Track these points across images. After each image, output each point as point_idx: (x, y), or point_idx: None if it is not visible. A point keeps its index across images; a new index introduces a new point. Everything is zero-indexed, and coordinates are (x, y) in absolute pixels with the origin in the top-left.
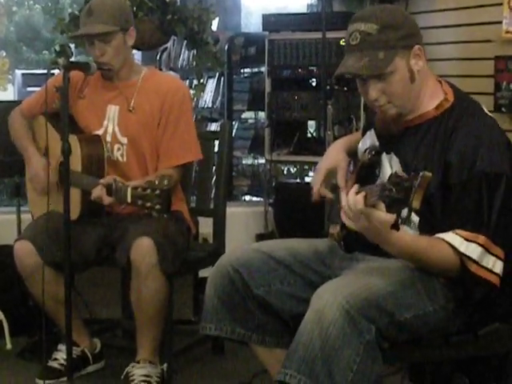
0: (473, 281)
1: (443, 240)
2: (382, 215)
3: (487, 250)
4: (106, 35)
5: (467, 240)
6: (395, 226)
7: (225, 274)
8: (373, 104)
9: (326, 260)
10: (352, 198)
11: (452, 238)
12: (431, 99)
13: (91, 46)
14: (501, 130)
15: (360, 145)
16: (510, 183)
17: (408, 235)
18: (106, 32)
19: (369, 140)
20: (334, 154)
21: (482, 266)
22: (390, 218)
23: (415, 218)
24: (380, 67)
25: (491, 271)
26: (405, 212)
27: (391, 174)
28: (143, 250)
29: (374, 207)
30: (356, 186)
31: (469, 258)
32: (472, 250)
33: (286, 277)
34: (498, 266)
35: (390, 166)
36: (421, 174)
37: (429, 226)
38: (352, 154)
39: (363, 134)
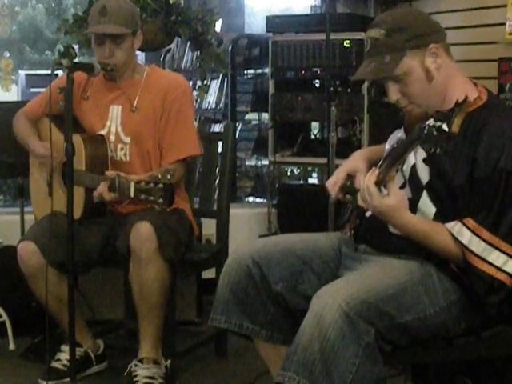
0: (474, 274)
1: (447, 229)
2: (383, 200)
3: (495, 247)
4: (119, 37)
5: (473, 232)
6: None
7: (243, 265)
8: (397, 105)
9: (339, 256)
10: (367, 177)
11: (456, 228)
12: (463, 96)
13: (101, 45)
14: None
15: (387, 146)
16: None
17: (413, 218)
18: (119, 33)
19: (396, 137)
20: (354, 160)
21: (487, 261)
22: (388, 201)
23: (432, 209)
24: (386, 70)
25: (499, 269)
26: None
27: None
28: (143, 235)
29: (386, 184)
30: (377, 171)
31: (469, 250)
32: (474, 243)
33: (303, 274)
34: (510, 265)
35: (414, 157)
36: (464, 99)
37: (451, 219)
38: (371, 164)
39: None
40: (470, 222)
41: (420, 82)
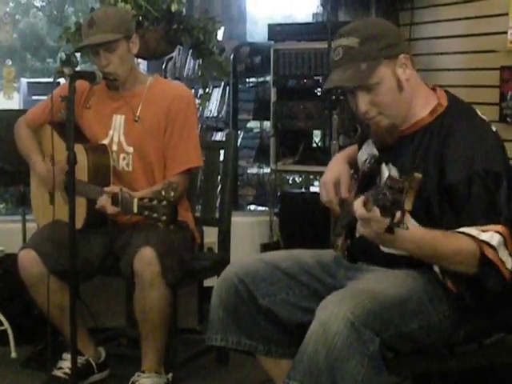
0: (489, 268)
1: (461, 232)
2: (379, 218)
3: (505, 242)
4: (110, 44)
5: (483, 231)
6: (389, 230)
7: (230, 284)
8: (364, 117)
9: (332, 270)
10: (355, 206)
11: (469, 229)
12: (424, 106)
13: (96, 56)
14: (494, 132)
15: (359, 155)
16: (508, 183)
17: (420, 229)
18: (109, 41)
19: (367, 150)
20: (336, 166)
21: (498, 256)
22: (385, 221)
23: (414, 223)
24: (363, 78)
25: (504, 264)
26: (398, 214)
27: (386, 178)
28: (146, 259)
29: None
30: (362, 197)
31: (489, 244)
32: (491, 237)
33: (291, 287)
34: (509, 263)
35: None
36: (411, 175)
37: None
38: (353, 164)
39: (359, 145)
40: (479, 227)
41: (392, 91)
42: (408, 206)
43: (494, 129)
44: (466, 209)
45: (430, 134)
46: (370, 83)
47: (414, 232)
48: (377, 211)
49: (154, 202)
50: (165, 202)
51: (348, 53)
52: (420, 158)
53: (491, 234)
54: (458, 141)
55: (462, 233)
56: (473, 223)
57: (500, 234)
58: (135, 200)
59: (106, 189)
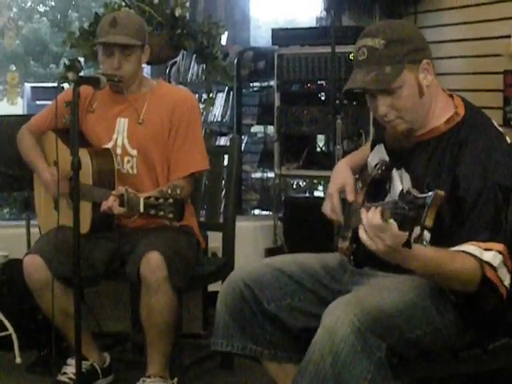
0: (489, 288)
1: (464, 251)
2: (397, 232)
3: (504, 260)
4: (128, 48)
5: (485, 250)
6: (407, 245)
7: (236, 289)
8: (383, 119)
9: (336, 275)
10: (370, 215)
11: (472, 248)
12: (441, 114)
13: (109, 56)
14: (510, 144)
15: (369, 159)
16: None
17: (430, 249)
18: (130, 45)
19: (378, 155)
20: (340, 174)
21: (498, 276)
22: (403, 235)
23: (427, 235)
24: (387, 81)
25: (502, 283)
26: (417, 230)
27: (404, 191)
28: (153, 264)
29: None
30: (380, 208)
31: (490, 265)
32: (493, 258)
33: (297, 292)
34: (507, 280)
35: (400, 181)
36: (434, 192)
37: (438, 240)
38: (356, 170)
39: (372, 148)
40: (480, 243)
41: (412, 96)
42: (429, 222)
43: (508, 140)
44: (471, 220)
45: (445, 144)
46: (392, 87)
47: (424, 251)
48: (394, 224)
49: (161, 201)
50: (171, 200)
51: (373, 54)
52: (433, 167)
53: (494, 255)
54: (472, 153)
55: (466, 252)
56: (474, 236)
57: (501, 253)
58: (141, 199)
59: (113, 192)
